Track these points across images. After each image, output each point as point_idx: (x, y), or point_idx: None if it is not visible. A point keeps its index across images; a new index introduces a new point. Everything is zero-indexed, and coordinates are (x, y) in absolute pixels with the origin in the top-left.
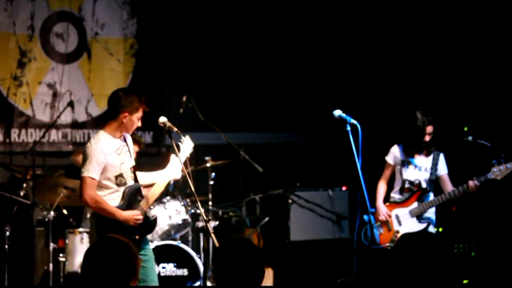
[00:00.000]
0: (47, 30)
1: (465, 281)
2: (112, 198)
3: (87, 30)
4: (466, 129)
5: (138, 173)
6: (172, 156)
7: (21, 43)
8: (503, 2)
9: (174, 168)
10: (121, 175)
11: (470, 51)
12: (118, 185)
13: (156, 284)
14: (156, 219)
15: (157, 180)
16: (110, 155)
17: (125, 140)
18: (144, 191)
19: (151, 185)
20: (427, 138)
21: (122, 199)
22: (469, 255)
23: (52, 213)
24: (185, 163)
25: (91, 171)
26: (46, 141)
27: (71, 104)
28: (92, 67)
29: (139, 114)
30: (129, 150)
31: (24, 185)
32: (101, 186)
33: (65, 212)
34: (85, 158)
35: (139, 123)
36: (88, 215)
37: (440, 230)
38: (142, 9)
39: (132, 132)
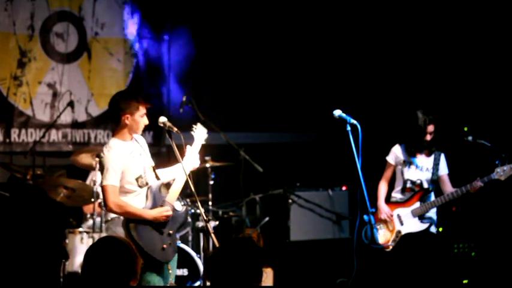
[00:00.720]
0: (47, 30)
1: (465, 281)
2: (138, 201)
3: (87, 30)
4: (466, 129)
5: (157, 171)
6: (188, 146)
7: (21, 43)
8: (503, 2)
9: (192, 159)
10: (141, 176)
11: (470, 51)
12: (140, 186)
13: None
14: (187, 212)
15: (177, 173)
16: (124, 159)
17: (136, 142)
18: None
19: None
20: (429, 137)
21: (147, 199)
22: (469, 255)
23: None
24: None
25: (110, 179)
26: (46, 141)
27: (71, 104)
28: (92, 67)
29: (141, 112)
30: (144, 150)
31: None
32: (124, 191)
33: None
34: (102, 168)
35: (145, 121)
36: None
37: (441, 230)
38: (142, 9)
39: (141, 131)
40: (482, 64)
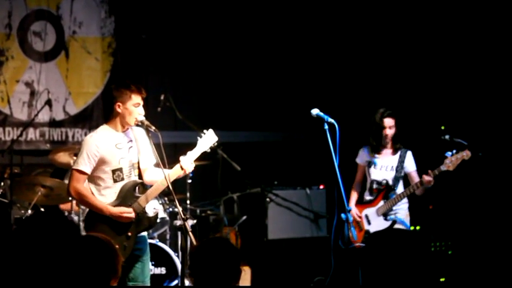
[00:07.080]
0: (24, 29)
1: (442, 279)
2: (107, 194)
3: (64, 28)
4: (443, 128)
5: (150, 169)
6: (189, 151)
7: None
8: (482, 2)
9: (187, 163)
10: (120, 170)
11: (447, 50)
12: (115, 180)
13: (148, 284)
14: (157, 216)
15: (161, 177)
16: (106, 147)
17: (130, 135)
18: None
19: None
20: (388, 131)
21: (117, 195)
22: (446, 254)
23: (30, 211)
24: (162, 160)
25: (80, 164)
26: (23, 140)
27: (48, 103)
28: (70, 66)
29: (134, 101)
30: (136, 146)
31: (2, 183)
32: (96, 179)
33: (42, 210)
34: (79, 151)
35: (140, 111)
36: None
37: (418, 228)
38: (120, 8)
39: (135, 122)
40: (459, 63)
